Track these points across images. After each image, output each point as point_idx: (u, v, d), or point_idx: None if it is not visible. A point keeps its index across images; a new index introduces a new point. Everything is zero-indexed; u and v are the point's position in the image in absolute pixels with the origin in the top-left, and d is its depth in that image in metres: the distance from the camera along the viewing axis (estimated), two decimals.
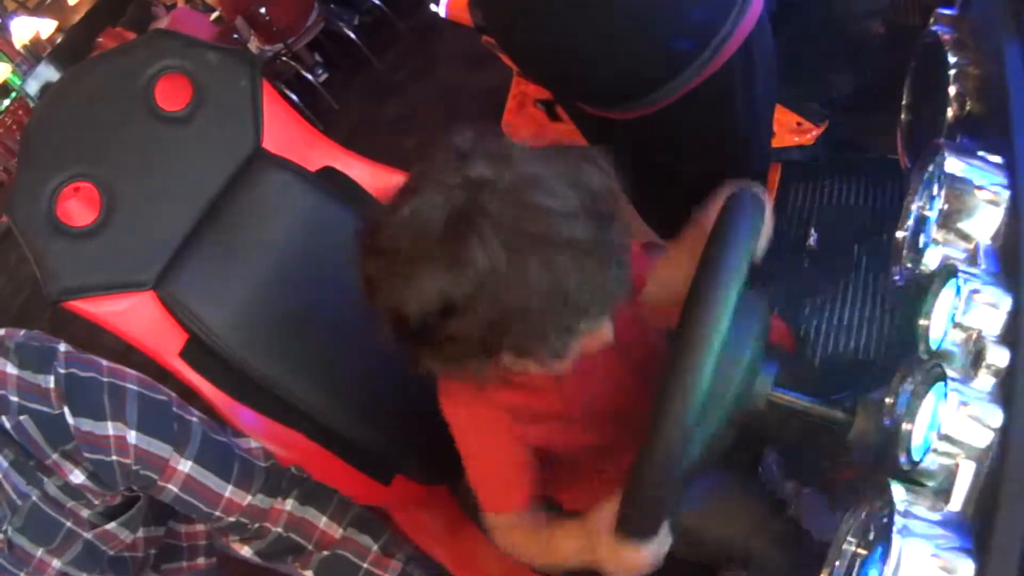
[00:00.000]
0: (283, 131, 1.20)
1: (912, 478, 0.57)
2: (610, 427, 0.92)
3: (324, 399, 1.16)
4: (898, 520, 0.53)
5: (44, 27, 5.63)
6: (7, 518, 0.80)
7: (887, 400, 0.68)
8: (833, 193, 1.82)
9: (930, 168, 0.69)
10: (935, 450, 0.55)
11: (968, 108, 0.74)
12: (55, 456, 0.79)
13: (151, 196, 1.09)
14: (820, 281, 1.70)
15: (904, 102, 0.89)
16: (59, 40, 5.55)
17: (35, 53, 5.74)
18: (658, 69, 1.13)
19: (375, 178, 1.30)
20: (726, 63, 1.14)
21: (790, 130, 1.73)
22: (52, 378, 0.78)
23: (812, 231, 1.76)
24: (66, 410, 0.78)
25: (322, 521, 0.93)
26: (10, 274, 3.98)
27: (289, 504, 0.92)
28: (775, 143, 1.73)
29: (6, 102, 6.04)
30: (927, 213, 0.70)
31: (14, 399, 0.77)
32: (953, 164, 0.64)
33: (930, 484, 0.56)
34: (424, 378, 0.91)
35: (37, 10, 6.22)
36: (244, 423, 1.13)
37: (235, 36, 3.30)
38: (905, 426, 0.60)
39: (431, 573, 1.01)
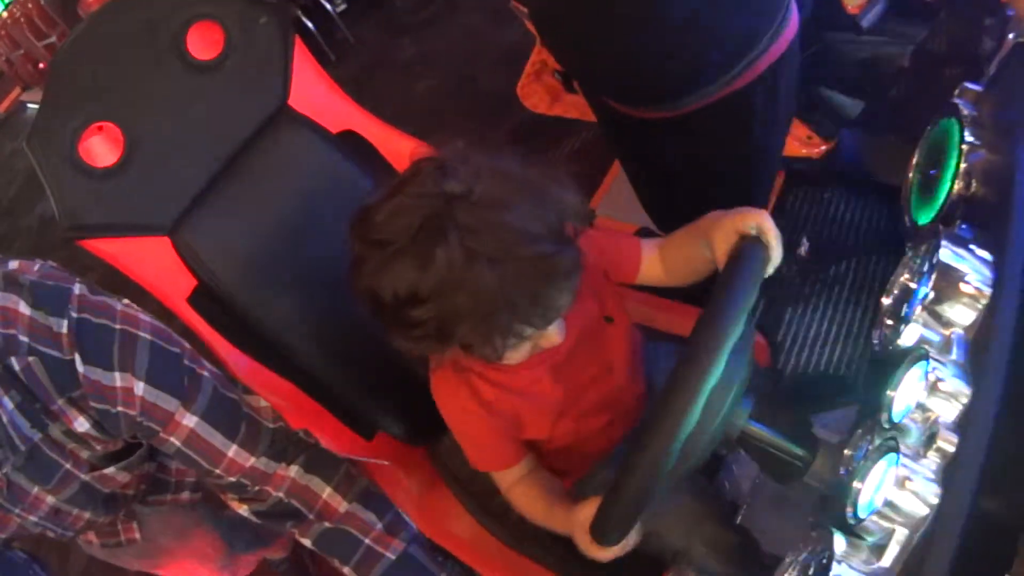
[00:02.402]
0: (309, 90, 1.21)
1: (853, 531, 0.64)
2: (585, 417, 0.98)
3: (318, 353, 1.20)
4: (835, 568, 0.60)
5: None
6: (8, 460, 0.79)
7: (846, 451, 0.74)
8: (831, 207, 1.87)
9: (924, 247, 0.73)
10: (877, 512, 0.61)
11: (973, 189, 0.78)
12: (61, 402, 0.78)
13: (174, 142, 1.10)
14: (804, 291, 1.76)
15: (914, 161, 0.93)
16: None
17: None
18: (688, 77, 1.15)
19: (393, 143, 1.31)
20: (753, 81, 1.16)
21: (799, 141, 1.76)
22: (65, 323, 0.76)
23: (804, 240, 1.81)
24: (77, 357, 0.77)
25: (326, 492, 0.93)
26: (1, 164, 3.91)
27: (293, 471, 0.92)
28: (785, 151, 1.76)
29: None
30: (913, 287, 0.74)
31: (24, 339, 0.75)
32: (946, 252, 0.69)
33: (868, 540, 0.63)
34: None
35: None
36: (239, 369, 1.17)
37: None
38: (855, 484, 0.67)
39: (433, 554, 1.03)
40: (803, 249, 1.87)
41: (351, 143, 1.27)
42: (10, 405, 0.77)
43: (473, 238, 0.72)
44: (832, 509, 0.70)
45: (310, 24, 3.01)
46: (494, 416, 0.92)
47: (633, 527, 0.77)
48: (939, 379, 0.62)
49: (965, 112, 0.80)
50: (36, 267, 0.80)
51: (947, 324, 0.67)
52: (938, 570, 0.58)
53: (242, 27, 1.12)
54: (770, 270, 0.83)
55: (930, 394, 0.62)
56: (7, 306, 0.76)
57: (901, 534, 0.62)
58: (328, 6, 3.14)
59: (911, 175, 0.92)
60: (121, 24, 1.06)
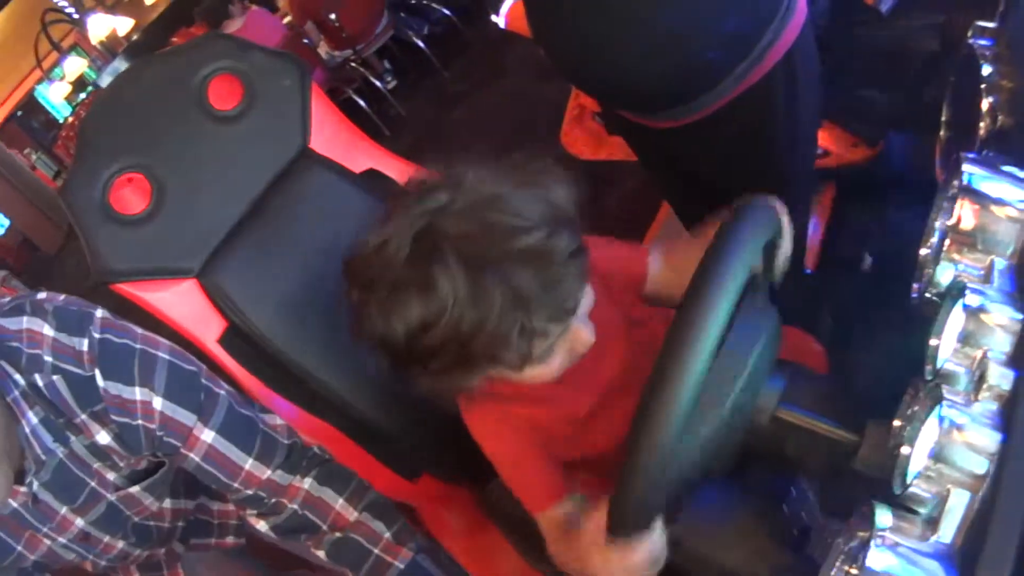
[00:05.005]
0: (330, 132, 1.24)
1: (902, 503, 0.55)
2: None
3: (357, 394, 1.18)
4: (874, 546, 0.51)
5: (121, 24, 5.74)
6: (31, 471, 0.83)
7: (895, 423, 0.65)
8: (889, 216, 1.75)
9: (955, 182, 0.66)
10: (926, 476, 0.52)
11: (1000, 122, 0.71)
12: (84, 416, 0.82)
13: (200, 189, 1.15)
14: (872, 306, 1.63)
15: (943, 118, 0.86)
16: (135, 37, 5.77)
17: (111, 49, 5.99)
18: (696, 80, 1.13)
19: None
20: (767, 74, 1.12)
21: (846, 149, 1.68)
22: (86, 341, 0.81)
23: (866, 255, 1.69)
24: (97, 373, 0.80)
25: (338, 503, 0.94)
26: (80, 256, 4.22)
27: (307, 483, 0.94)
28: (832, 162, 1.68)
29: (82, 95, 6.38)
30: (950, 224, 0.66)
31: (48, 359, 0.80)
32: (975, 178, 0.61)
33: (921, 511, 0.54)
34: None
35: (115, 8, 6.47)
36: (277, 412, 1.16)
37: (305, 41, 3.42)
38: (904, 450, 0.58)
39: (441, 565, 1.00)
40: (866, 264, 1.75)
41: (374, 181, 1.29)
42: (34, 420, 0.80)
43: (467, 244, 0.70)
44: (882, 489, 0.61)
45: (362, 102, 3.15)
46: (535, 432, 0.87)
47: (655, 513, 0.69)
48: (981, 309, 0.54)
49: (981, 50, 0.74)
50: (61, 297, 0.86)
51: (986, 251, 0.59)
52: (1007, 534, 0.48)
53: (260, 77, 1.18)
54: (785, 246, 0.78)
55: (973, 329, 0.54)
56: (32, 328, 0.81)
57: (957, 498, 0.52)
58: (379, 84, 3.30)
59: (941, 133, 0.85)
60: (145, 82, 1.14)
